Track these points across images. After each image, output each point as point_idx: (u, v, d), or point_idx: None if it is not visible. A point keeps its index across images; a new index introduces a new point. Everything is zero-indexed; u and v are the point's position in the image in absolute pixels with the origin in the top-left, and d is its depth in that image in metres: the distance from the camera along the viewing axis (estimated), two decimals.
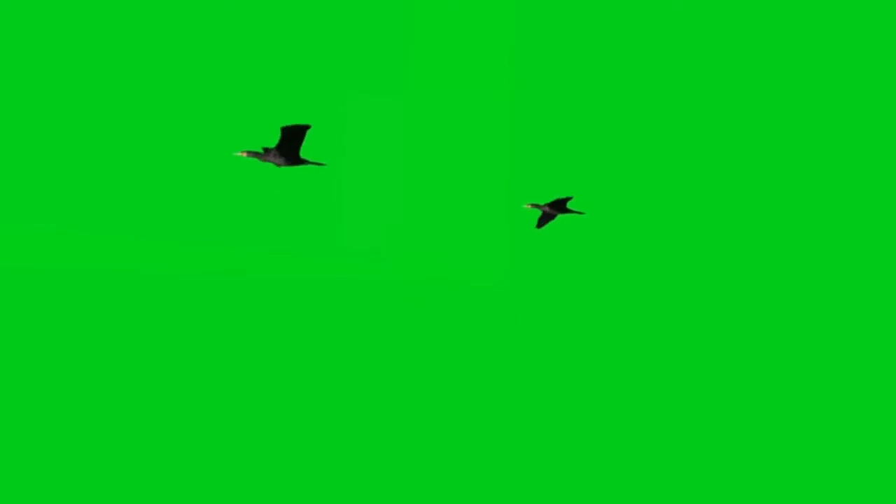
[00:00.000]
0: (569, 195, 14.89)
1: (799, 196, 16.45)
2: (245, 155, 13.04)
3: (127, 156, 15.74)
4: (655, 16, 16.51)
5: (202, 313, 15.89)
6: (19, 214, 15.65)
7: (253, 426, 15.77)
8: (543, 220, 15.08)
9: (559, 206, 14.82)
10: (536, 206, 14.83)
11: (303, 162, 13.20)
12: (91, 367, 15.70)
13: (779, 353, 16.15)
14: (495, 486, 15.77)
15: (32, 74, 15.64)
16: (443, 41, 16.36)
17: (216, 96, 15.79)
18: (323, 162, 13.26)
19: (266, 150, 13.05)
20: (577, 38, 16.46)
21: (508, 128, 16.33)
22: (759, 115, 16.49)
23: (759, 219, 16.40)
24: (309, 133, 15.88)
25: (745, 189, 16.43)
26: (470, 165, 16.24)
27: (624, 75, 16.46)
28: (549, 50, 16.45)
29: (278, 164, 13.12)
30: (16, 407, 15.51)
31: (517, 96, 16.37)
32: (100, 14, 15.68)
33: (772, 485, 15.88)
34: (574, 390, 16.00)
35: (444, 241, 16.19)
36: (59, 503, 15.40)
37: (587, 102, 16.43)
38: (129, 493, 15.49)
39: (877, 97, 16.49)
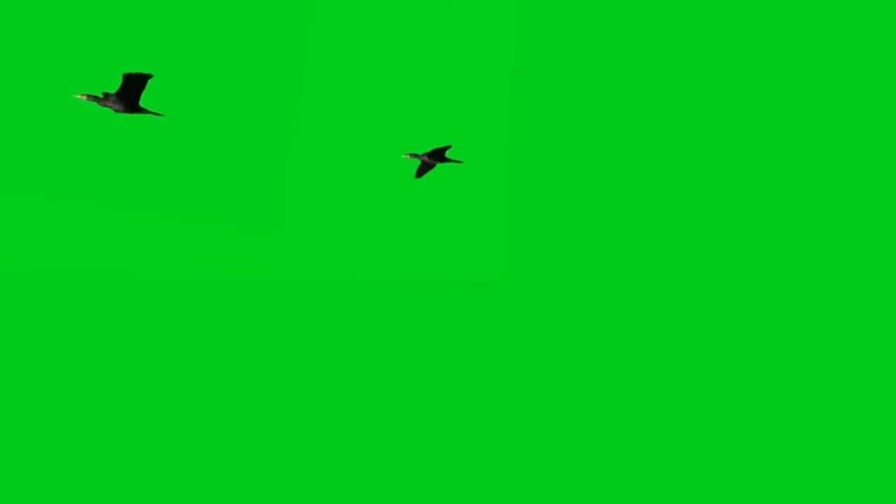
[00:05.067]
0: (448, 144, 14.89)
1: (798, 195, 16.44)
2: (84, 98, 13.04)
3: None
4: (657, 12, 16.52)
5: (205, 312, 15.90)
6: None
7: (253, 426, 15.77)
8: (422, 170, 15.08)
9: (438, 154, 14.80)
10: (415, 155, 14.82)
11: (141, 111, 13.20)
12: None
13: (778, 347, 16.15)
14: (495, 484, 15.77)
15: None
16: (443, 37, 16.36)
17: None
18: (161, 113, 13.26)
19: (106, 94, 13.06)
20: (579, 35, 16.46)
21: (508, 126, 16.33)
22: (760, 108, 16.49)
23: (759, 216, 16.39)
24: (307, 126, 15.89)
25: (746, 187, 16.43)
26: (469, 164, 16.23)
27: (625, 72, 16.45)
28: (550, 47, 16.46)
29: (117, 110, 13.11)
30: None
31: (518, 94, 16.38)
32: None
33: (771, 485, 15.88)
34: (574, 389, 16.00)
35: (444, 241, 16.19)
36: (58, 503, 15.43)
37: (588, 100, 16.43)
38: (125, 492, 15.50)
39: (877, 97, 16.49)
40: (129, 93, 13.07)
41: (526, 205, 16.29)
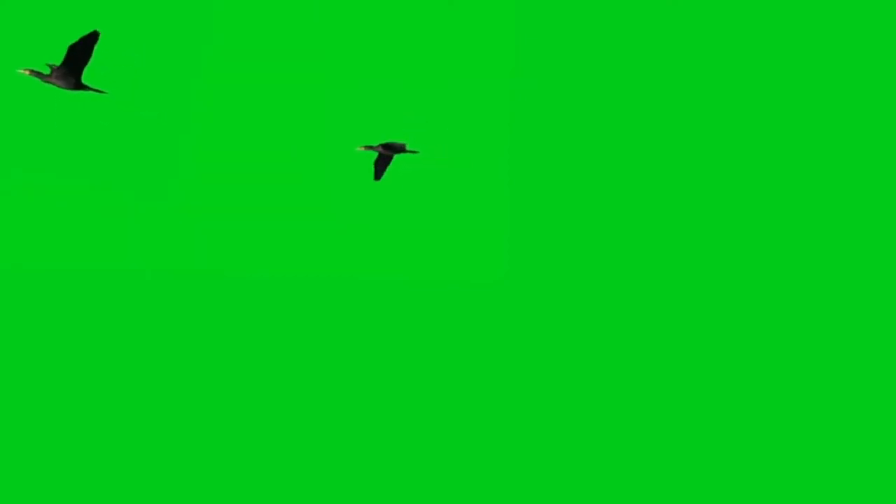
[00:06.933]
0: (403, 142, 14.80)
1: (797, 196, 16.45)
2: (28, 73, 13.02)
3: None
4: (657, 12, 16.52)
5: (205, 311, 15.89)
6: None
7: (253, 426, 15.76)
8: (381, 165, 14.93)
9: (393, 146, 14.70)
10: (370, 147, 14.71)
11: (84, 87, 13.18)
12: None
13: (776, 346, 16.15)
14: (495, 484, 15.76)
15: None
16: (443, 37, 16.36)
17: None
18: (104, 90, 13.22)
19: (51, 66, 13.04)
20: (579, 35, 16.46)
21: (508, 126, 16.33)
22: (759, 108, 16.51)
23: (758, 216, 16.40)
24: (308, 125, 15.86)
25: (746, 187, 16.44)
26: (470, 164, 16.23)
27: (626, 72, 16.46)
28: (550, 47, 16.45)
29: (60, 87, 13.08)
30: None
31: (518, 94, 16.38)
32: None
33: (770, 484, 15.88)
34: (574, 388, 16.00)
35: (444, 241, 16.19)
36: (56, 502, 15.41)
37: (588, 100, 16.43)
38: (125, 489, 15.49)
39: (876, 97, 16.50)
40: (73, 67, 13.02)
41: (526, 205, 16.29)
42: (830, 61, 16.49)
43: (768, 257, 16.29)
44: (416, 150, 14.80)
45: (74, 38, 12.95)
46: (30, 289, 15.76)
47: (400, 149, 14.64)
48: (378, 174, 14.94)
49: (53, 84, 13.02)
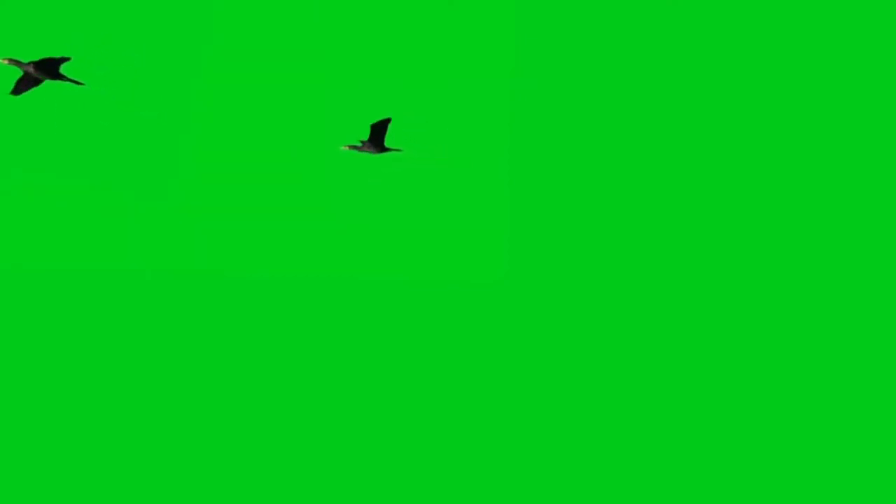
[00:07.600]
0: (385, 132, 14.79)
1: (797, 195, 16.45)
2: (7, 62, 13.04)
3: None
4: (657, 12, 16.53)
5: (203, 311, 15.90)
6: None
7: (254, 426, 15.76)
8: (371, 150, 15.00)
9: (377, 145, 14.71)
10: (353, 147, 14.74)
11: (61, 77, 13.20)
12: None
13: (776, 347, 16.15)
14: (495, 484, 15.76)
15: None
16: (443, 37, 16.36)
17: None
18: (82, 82, 13.23)
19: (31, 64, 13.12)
20: (579, 35, 16.46)
21: (508, 126, 16.33)
22: (760, 108, 16.50)
23: (758, 216, 16.40)
24: (308, 124, 15.89)
25: (746, 187, 16.44)
26: (470, 164, 16.24)
27: (626, 72, 16.46)
28: (550, 47, 16.46)
29: (41, 78, 13.12)
30: None
31: (518, 94, 16.38)
32: None
33: (770, 484, 15.88)
34: (573, 388, 15.99)
35: (444, 241, 16.19)
36: (57, 502, 15.39)
37: (588, 100, 16.43)
38: (124, 490, 15.50)
39: (877, 97, 16.51)
40: (53, 66, 13.08)
41: (526, 205, 16.29)
42: (830, 61, 16.49)
43: (767, 258, 16.29)
44: (399, 148, 14.83)
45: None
46: (30, 289, 15.76)
47: (383, 127, 14.65)
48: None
49: (31, 72, 13.06)
